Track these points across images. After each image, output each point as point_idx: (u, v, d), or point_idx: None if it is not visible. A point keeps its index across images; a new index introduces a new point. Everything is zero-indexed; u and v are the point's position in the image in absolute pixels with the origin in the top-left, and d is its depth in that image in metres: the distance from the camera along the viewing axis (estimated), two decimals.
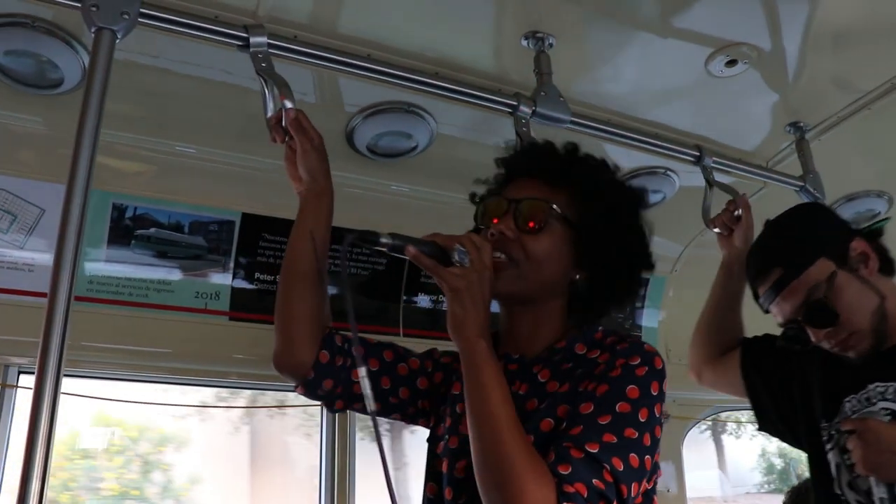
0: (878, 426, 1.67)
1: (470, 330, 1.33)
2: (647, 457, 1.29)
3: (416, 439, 3.06)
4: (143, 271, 2.28)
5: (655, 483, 1.41)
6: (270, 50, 1.66)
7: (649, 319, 3.28)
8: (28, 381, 1.98)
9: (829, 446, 1.87)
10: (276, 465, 4.38)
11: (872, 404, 1.77)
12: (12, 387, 2.15)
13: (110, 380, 2.36)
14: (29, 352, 2.04)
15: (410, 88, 1.92)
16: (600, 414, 1.29)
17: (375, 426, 1.29)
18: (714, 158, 2.34)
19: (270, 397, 3.03)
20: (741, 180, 2.51)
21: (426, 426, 1.64)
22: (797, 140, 2.52)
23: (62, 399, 1.25)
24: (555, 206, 1.47)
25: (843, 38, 2.09)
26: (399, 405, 1.63)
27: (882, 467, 1.66)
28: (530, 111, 1.95)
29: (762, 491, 10.72)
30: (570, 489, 1.19)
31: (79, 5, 1.47)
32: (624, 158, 2.55)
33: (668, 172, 2.63)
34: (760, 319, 2.01)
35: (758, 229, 2.05)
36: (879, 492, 1.71)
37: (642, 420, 1.30)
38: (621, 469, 1.23)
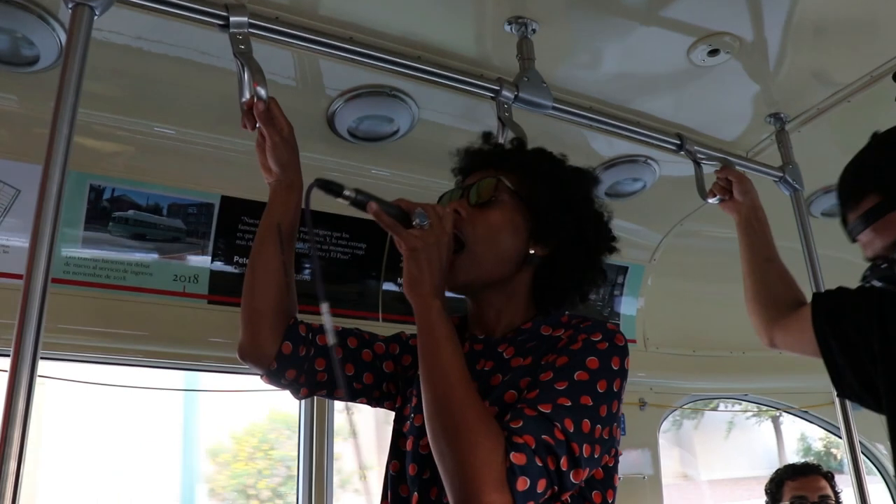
0: None
1: (425, 288, 1.36)
2: (601, 427, 1.30)
3: None
4: (120, 253, 2.26)
5: (617, 462, 1.43)
6: (251, 31, 1.64)
7: (627, 308, 3.30)
8: (4, 363, 1.96)
9: None
10: None
11: None
12: None
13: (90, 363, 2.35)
14: (4, 334, 2.00)
15: (392, 72, 1.91)
16: (557, 380, 1.31)
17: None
18: (695, 147, 2.35)
19: None
20: None
21: (392, 409, 1.67)
22: (777, 131, 2.54)
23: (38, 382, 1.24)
24: (503, 180, 1.51)
25: (823, 30, 2.10)
26: (364, 390, 1.65)
27: None
28: (513, 96, 1.95)
29: None
30: (519, 440, 1.21)
31: None
32: (605, 146, 2.56)
33: (649, 161, 2.64)
34: None
35: None
36: None
37: (600, 390, 1.31)
38: (572, 430, 1.25)
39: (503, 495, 1.17)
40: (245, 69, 1.58)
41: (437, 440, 1.26)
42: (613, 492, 1.41)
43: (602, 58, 2.16)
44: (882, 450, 3.67)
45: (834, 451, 10.30)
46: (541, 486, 1.21)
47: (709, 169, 2.41)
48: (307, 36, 1.76)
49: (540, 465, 1.21)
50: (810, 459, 4.28)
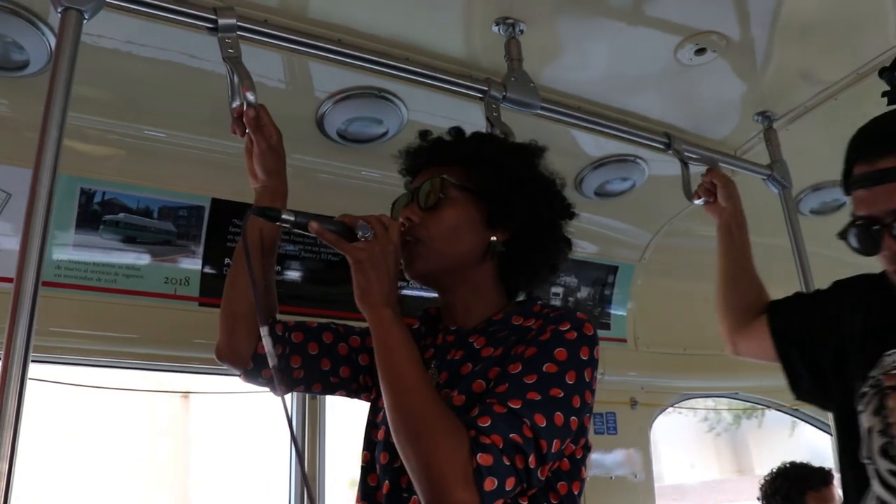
0: None
1: (374, 298, 1.36)
2: (573, 417, 1.31)
3: None
4: (111, 256, 2.26)
5: (585, 455, 1.43)
6: (240, 33, 1.64)
7: (618, 307, 3.30)
8: None
9: (861, 407, 1.59)
10: None
11: None
12: None
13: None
14: None
15: (381, 74, 1.92)
16: (526, 374, 1.31)
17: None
18: (683, 146, 2.36)
19: None
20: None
21: (368, 400, 1.68)
22: (765, 129, 2.55)
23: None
24: (446, 177, 1.52)
25: (809, 29, 2.11)
26: (341, 383, 1.66)
27: None
28: (501, 96, 1.96)
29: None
30: (486, 440, 1.21)
31: None
32: (594, 146, 2.57)
33: (638, 160, 2.65)
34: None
35: None
36: None
37: (570, 382, 1.32)
38: (543, 425, 1.25)
39: (471, 495, 1.19)
40: (234, 74, 1.59)
41: (402, 445, 1.27)
42: (581, 484, 1.41)
43: (590, 57, 2.17)
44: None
45: None
46: (509, 484, 1.22)
47: (698, 168, 2.42)
48: (296, 38, 1.77)
49: (508, 464, 1.21)
50: None
